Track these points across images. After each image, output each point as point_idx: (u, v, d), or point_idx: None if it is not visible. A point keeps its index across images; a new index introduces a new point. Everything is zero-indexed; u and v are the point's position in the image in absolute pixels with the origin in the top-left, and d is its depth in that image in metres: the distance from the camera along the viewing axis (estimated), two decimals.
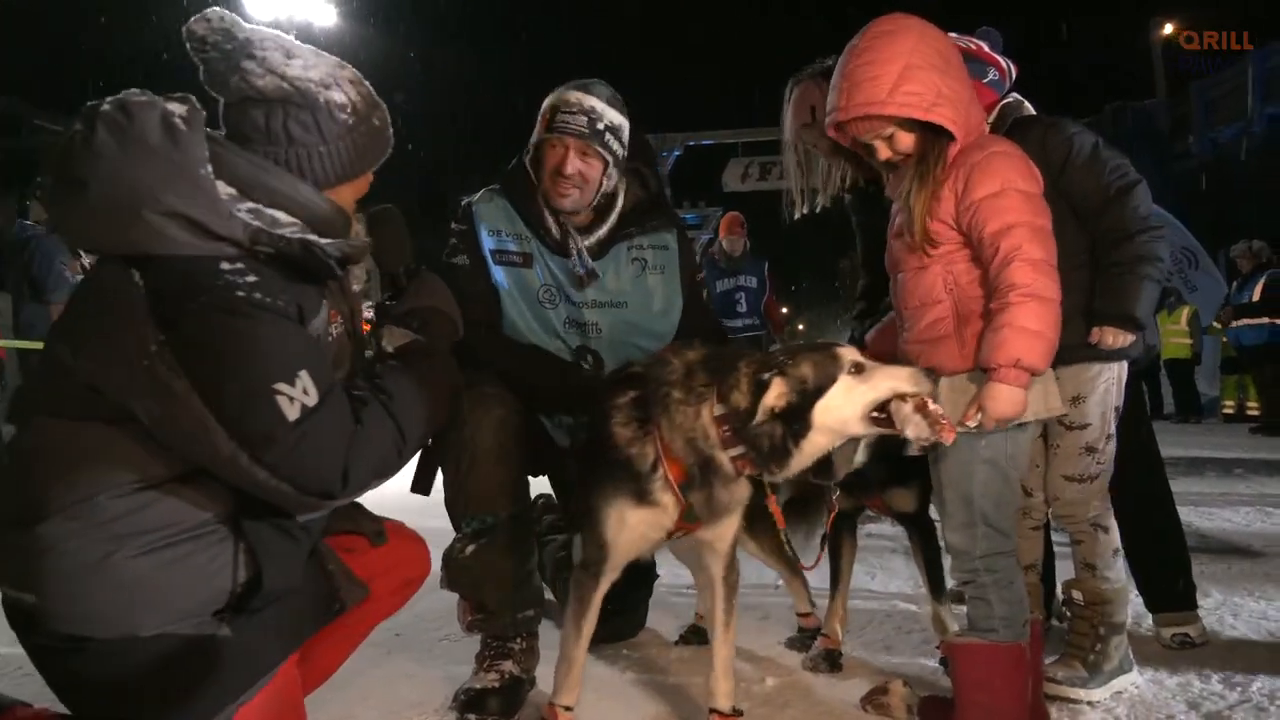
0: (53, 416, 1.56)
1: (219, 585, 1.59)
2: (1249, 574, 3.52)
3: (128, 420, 1.52)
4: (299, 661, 1.78)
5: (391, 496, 2.01)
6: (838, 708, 2.30)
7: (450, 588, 2.44)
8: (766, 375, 1.89)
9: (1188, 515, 4.80)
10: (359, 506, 1.98)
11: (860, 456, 2.27)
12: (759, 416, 1.87)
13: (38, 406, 1.58)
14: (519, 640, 2.42)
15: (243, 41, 1.66)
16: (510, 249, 2.61)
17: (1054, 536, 2.74)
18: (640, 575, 2.87)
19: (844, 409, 1.88)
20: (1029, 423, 2.02)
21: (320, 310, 1.71)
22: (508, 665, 2.37)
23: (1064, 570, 2.58)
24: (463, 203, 2.70)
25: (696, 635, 2.84)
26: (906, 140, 1.99)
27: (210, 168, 1.56)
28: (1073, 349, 2.13)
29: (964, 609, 2.41)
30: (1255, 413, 11.14)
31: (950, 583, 2.94)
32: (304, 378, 1.52)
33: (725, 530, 2.11)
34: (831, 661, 2.54)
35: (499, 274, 2.59)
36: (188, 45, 1.69)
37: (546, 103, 2.59)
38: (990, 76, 2.49)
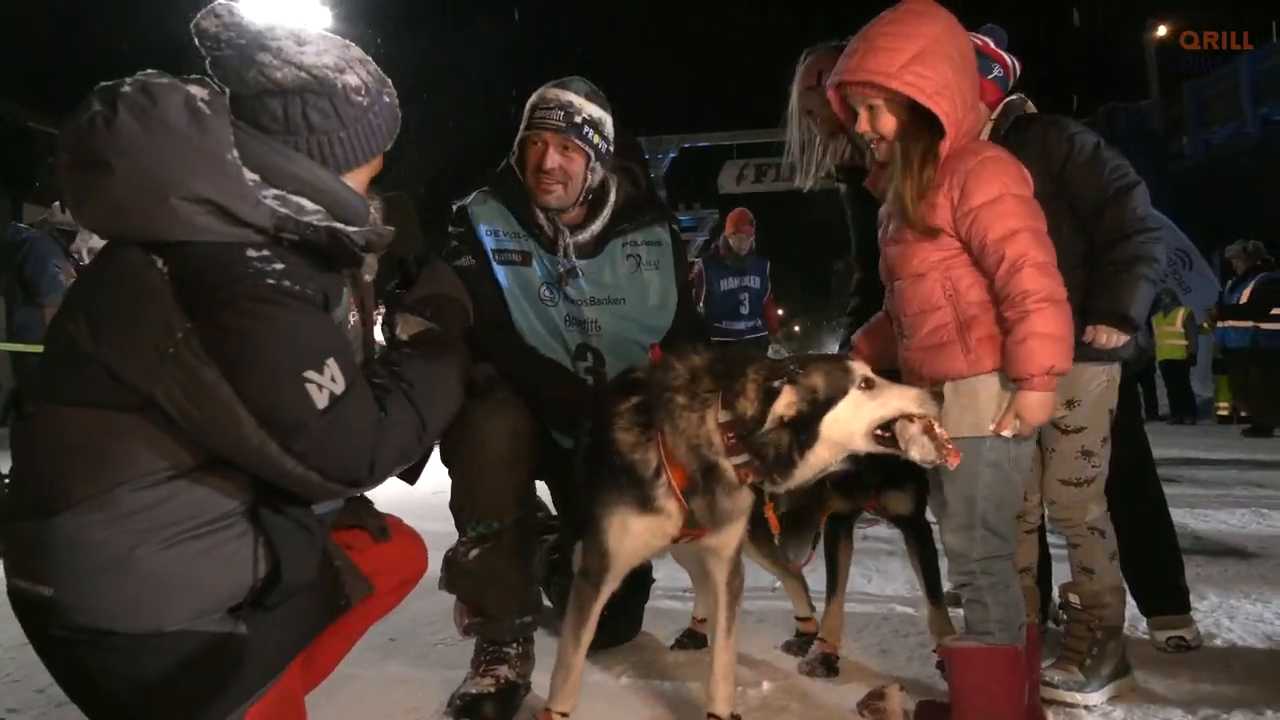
0: (69, 405, 1.52)
1: (240, 579, 1.57)
2: (1245, 576, 3.52)
3: (148, 408, 1.49)
4: (300, 660, 1.77)
5: (390, 496, 2.00)
6: (835, 712, 2.30)
7: (451, 590, 2.43)
8: (777, 383, 1.87)
9: (1183, 517, 4.81)
10: (364, 501, 1.97)
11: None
12: (767, 425, 1.86)
13: (54, 395, 1.54)
14: (515, 645, 2.41)
15: (255, 34, 1.65)
16: (509, 247, 2.62)
17: (1050, 539, 2.74)
18: (637, 579, 2.86)
19: (851, 423, 1.88)
20: None
21: (343, 298, 1.72)
22: (503, 670, 2.36)
23: (1060, 573, 2.58)
24: (456, 206, 2.70)
25: (692, 639, 2.83)
26: (888, 122, 1.99)
27: (236, 153, 1.55)
28: None
29: (961, 612, 2.42)
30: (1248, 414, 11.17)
31: (947, 586, 2.96)
32: (332, 366, 1.52)
33: (729, 537, 2.10)
34: (828, 666, 2.54)
35: (501, 273, 2.60)
36: (198, 42, 1.66)
37: (528, 103, 2.61)
38: (995, 73, 2.50)
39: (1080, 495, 2.27)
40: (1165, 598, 2.70)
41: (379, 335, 2.03)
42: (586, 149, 2.55)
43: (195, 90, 1.58)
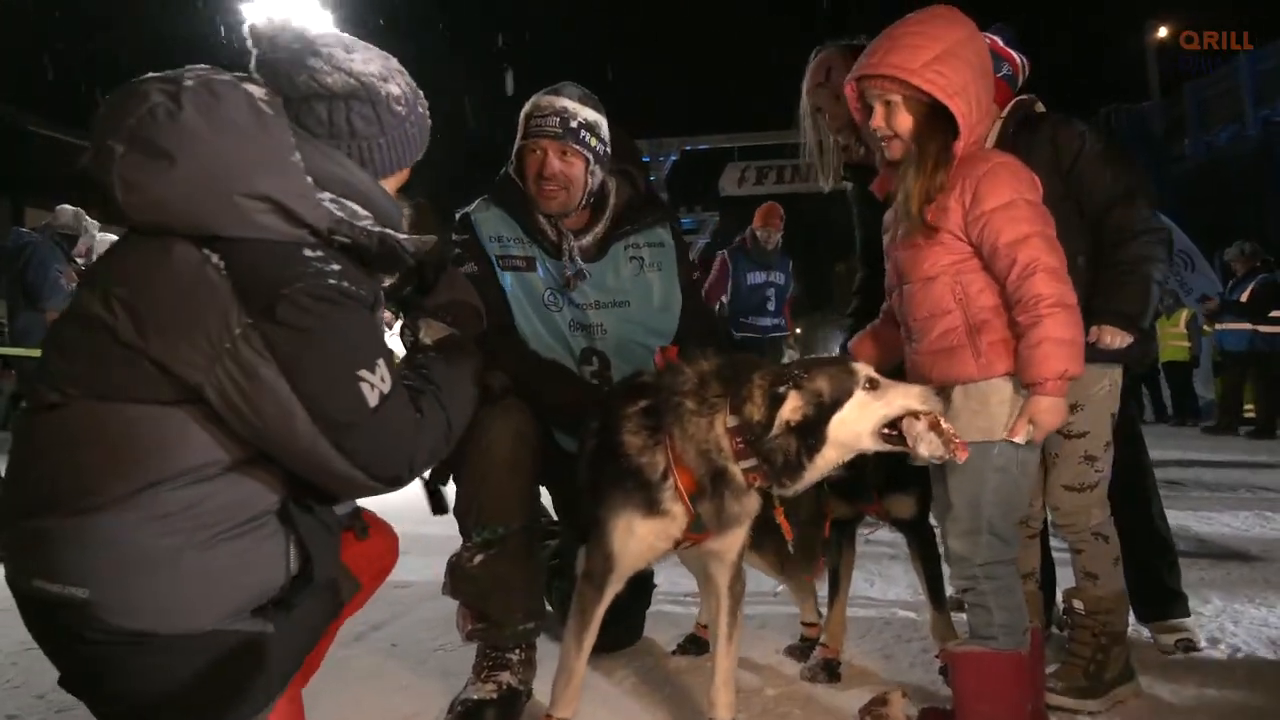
0: (102, 399, 1.49)
1: (273, 578, 1.58)
2: (1249, 580, 3.51)
3: (188, 404, 1.49)
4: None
5: (389, 497, 2.00)
6: (837, 718, 2.29)
7: (454, 596, 2.42)
8: (782, 388, 1.87)
9: (1185, 520, 4.80)
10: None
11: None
12: (774, 430, 1.86)
13: (85, 388, 1.50)
14: (518, 651, 2.40)
15: (309, 40, 1.70)
16: (514, 253, 2.63)
17: (1053, 543, 2.73)
18: (639, 584, 2.85)
19: (858, 424, 1.88)
20: None
21: (381, 302, 1.76)
22: (505, 677, 2.35)
23: (1064, 578, 2.56)
24: (459, 214, 2.72)
25: (695, 645, 2.82)
26: (905, 120, 2.01)
27: (298, 155, 1.58)
28: None
29: (964, 616, 2.41)
30: (1251, 415, 11.16)
31: (950, 590, 2.95)
32: (381, 366, 1.56)
33: (733, 541, 2.10)
34: (830, 671, 2.53)
35: (506, 279, 2.61)
36: (251, 43, 1.70)
37: (522, 112, 2.63)
38: (1004, 71, 2.51)
39: (1084, 500, 2.26)
40: (1165, 602, 2.70)
41: (393, 340, 2.05)
42: (585, 153, 2.56)
43: (255, 89, 1.60)
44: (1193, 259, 14.96)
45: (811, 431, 1.87)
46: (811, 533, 2.73)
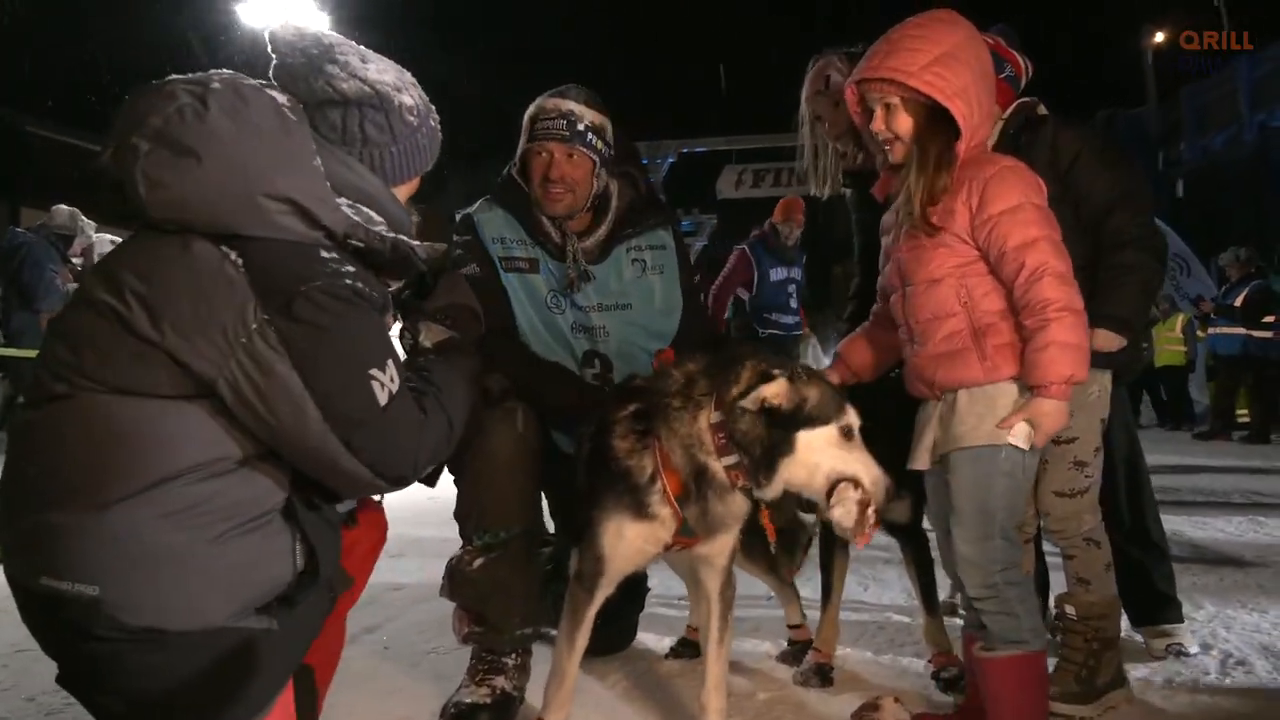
0: (114, 392, 1.49)
1: (280, 575, 1.59)
2: (1242, 585, 3.52)
3: (201, 399, 1.50)
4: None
5: (387, 499, 2.00)
6: None
7: (453, 598, 2.41)
8: (776, 371, 1.89)
9: (1180, 525, 4.81)
10: None
11: None
12: (748, 400, 1.86)
13: (95, 381, 1.50)
14: (514, 656, 2.39)
15: (327, 46, 1.74)
16: (517, 255, 2.63)
17: (1046, 548, 2.73)
18: (631, 587, 2.84)
19: (818, 455, 1.87)
20: None
21: (390, 306, 1.79)
22: (500, 681, 2.34)
23: (1057, 583, 2.56)
24: (461, 214, 2.71)
25: (687, 648, 2.82)
26: (904, 122, 2.01)
27: (319, 159, 1.62)
28: None
29: (957, 621, 2.41)
30: (1245, 420, 11.18)
31: (943, 595, 2.95)
32: (391, 366, 1.61)
33: (722, 546, 2.10)
34: (823, 675, 2.52)
35: (509, 281, 2.61)
36: (270, 47, 1.74)
37: (527, 114, 2.63)
38: (1007, 72, 2.50)
39: (1075, 506, 2.26)
40: (1157, 607, 2.70)
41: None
42: (591, 155, 2.57)
43: (279, 96, 1.65)
44: (1188, 263, 15.06)
45: (783, 429, 1.87)
46: (792, 530, 2.74)
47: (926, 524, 2.62)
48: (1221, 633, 2.87)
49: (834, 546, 2.65)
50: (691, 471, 1.96)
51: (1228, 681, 2.43)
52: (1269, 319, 10.34)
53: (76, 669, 1.56)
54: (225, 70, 1.65)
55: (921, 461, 2.09)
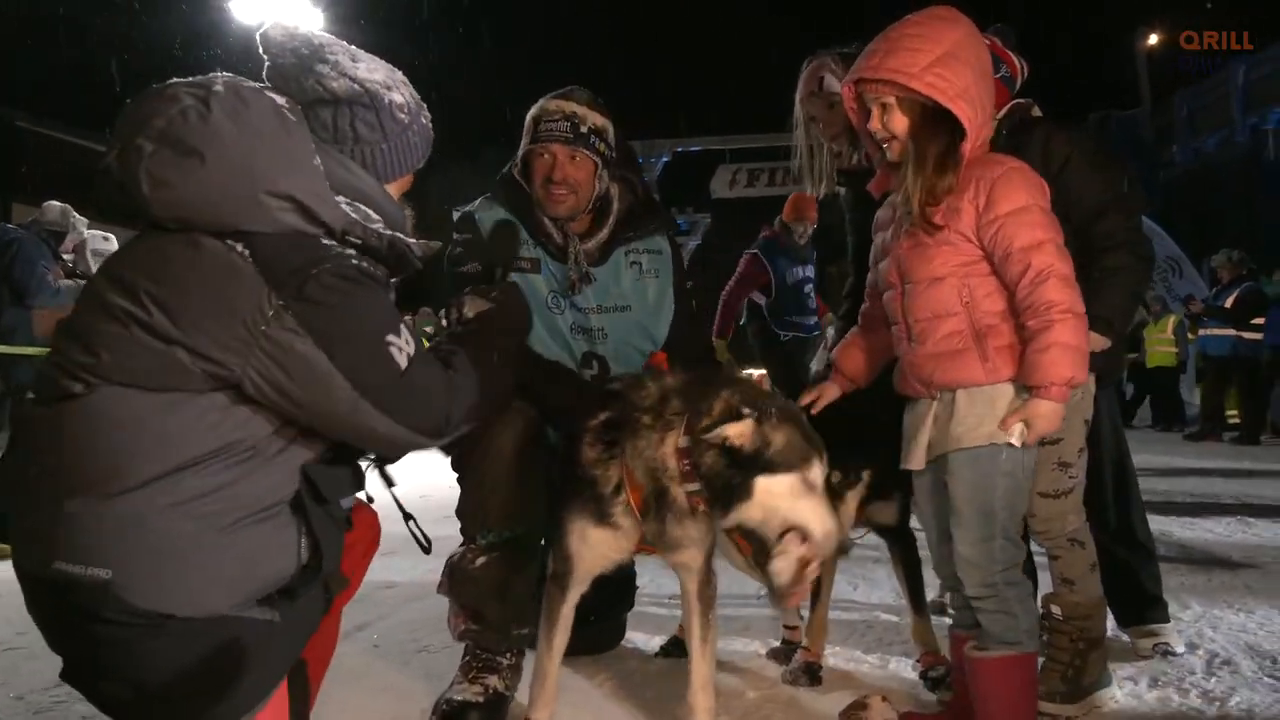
0: (129, 387, 1.53)
1: (285, 567, 1.63)
2: (1229, 586, 3.54)
3: (217, 391, 1.55)
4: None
5: (381, 499, 2.00)
6: None
7: (451, 596, 2.41)
8: (746, 410, 1.84)
9: (1168, 525, 4.83)
10: None
11: None
12: (712, 434, 1.83)
13: (110, 376, 1.54)
14: (508, 655, 2.40)
15: (317, 47, 1.78)
16: (519, 254, 2.63)
17: (1034, 548, 2.74)
18: (621, 586, 2.86)
19: (774, 501, 1.82)
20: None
21: (392, 288, 1.84)
22: (493, 680, 2.35)
23: (1046, 584, 2.57)
24: (462, 211, 2.72)
25: (677, 647, 2.82)
26: (900, 121, 2.00)
27: (319, 159, 1.67)
28: None
29: (945, 620, 2.42)
30: (1235, 421, 11.24)
31: (931, 595, 2.96)
32: (404, 331, 1.69)
33: (690, 556, 2.11)
34: (812, 674, 2.53)
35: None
36: (262, 50, 1.79)
37: (530, 115, 2.63)
38: (1002, 72, 2.49)
39: (1059, 507, 2.27)
40: (1144, 607, 2.71)
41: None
42: (594, 157, 2.57)
43: (278, 98, 1.69)
44: (1181, 265, 15.14)
45: (742, 470, 1.82)
46: None
47: (914, 523, 2.64)
48: (1208, 632, 2.88)
49: None
50: (653, 491, 1.96)
51: (1213, 681, 2.44)
52: (1258, 320, 10.40)
53: (82, 657, 1.59)
54: (226, 73, 1.69)
55: (916, 462, 2.09)
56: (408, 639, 3.04)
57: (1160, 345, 12.98)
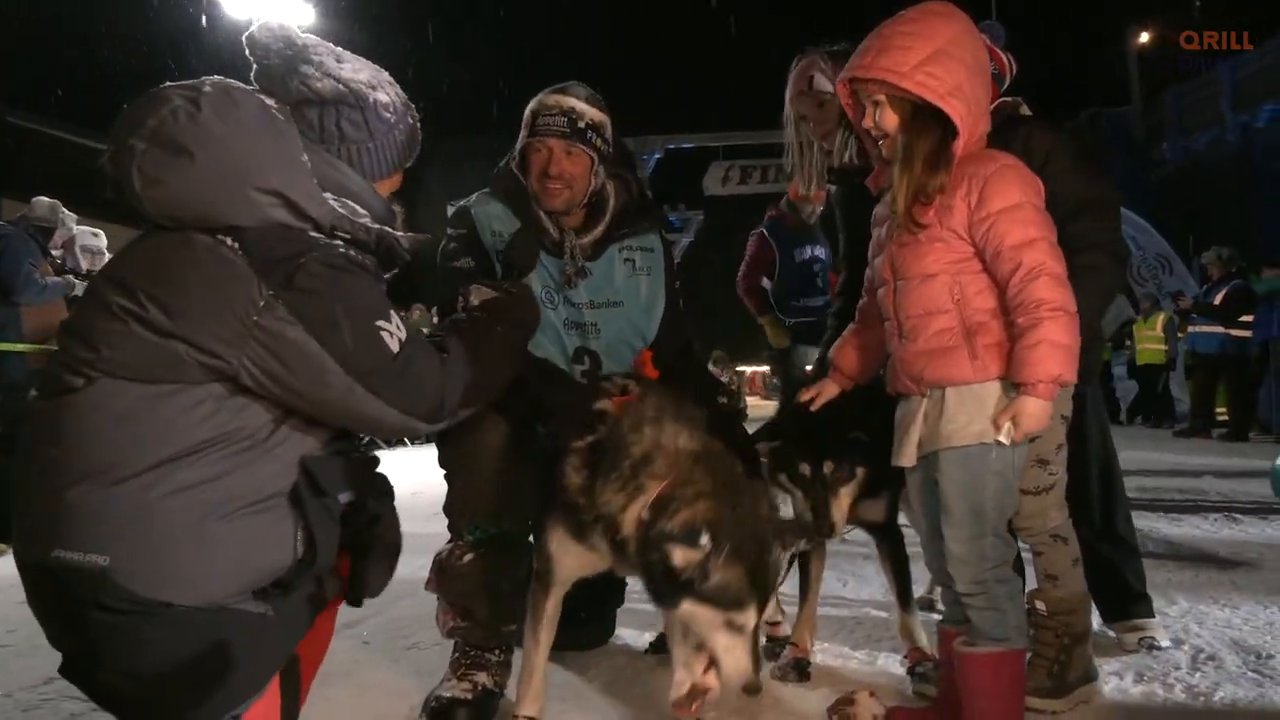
0: (126, 379, 1.56)
1: (281, 559, 1.64)
2: (1215, 582, 3.55)
3: (211, 383, 1.58)
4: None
5: None
6: (806, 717, 2.30)
7: (439, 592, 2.41)
8: (704, 539, 1.75)
9: (1156, 521, 4.86)
10: None
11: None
12: (661, 548, 1.80)
13: (110, 370, 1.56)
14: (497, 652, 2.40)
15: (300, 47, 1.82)
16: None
17: (1021, 545, 2.76)
18: (611, 582, 2.86)
19: (694, 625, 1.83)
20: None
21: (382, 277, 1.86)
22: (482, 677, 2.35)
23: (1031, 580, 2.59)
24: (457, 206, 2.71)
25: (666, 644, 2.83)
26: (890, 119, 2.00)
27: (307, 156, 1.71)
28: None
29: (934, 617, 2.43)
30: (1224, 418, 11.30)
31: (920, 590, 2.97)
32: (394, 317, 1.73)
33: None
34: (800, 670, 2.54)
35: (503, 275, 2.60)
36: (248, 52, 1.82)
37: (527, 109, 2.62)
38: (990, 70, 2.49)
39: (1041, 504, 2.28)
40: (1129, 602, 2.73)
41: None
42: (590, 153, 2.57)
43: (267, 99, 1.74)
44: (1171, 263, 15.22)
45: (676, 587, 1.80)
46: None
47: (903, 519, 2.65)
48: (1194, 628, 2.90)
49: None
50: (613, 538, 1.96)
51: (1198, 676, 2.45)
52: (1246, 318, 10.46)
53: (79, 646, 1.60)
54: (217, 76, 1.72)
55: (907, 459, 2.09)
56: (397, 636, 3.05)
57: (1150, 343, 13.05)
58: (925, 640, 2.54)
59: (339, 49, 1.89)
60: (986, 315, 1.97)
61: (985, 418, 1.96)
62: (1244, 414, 10.70)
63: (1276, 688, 2.35)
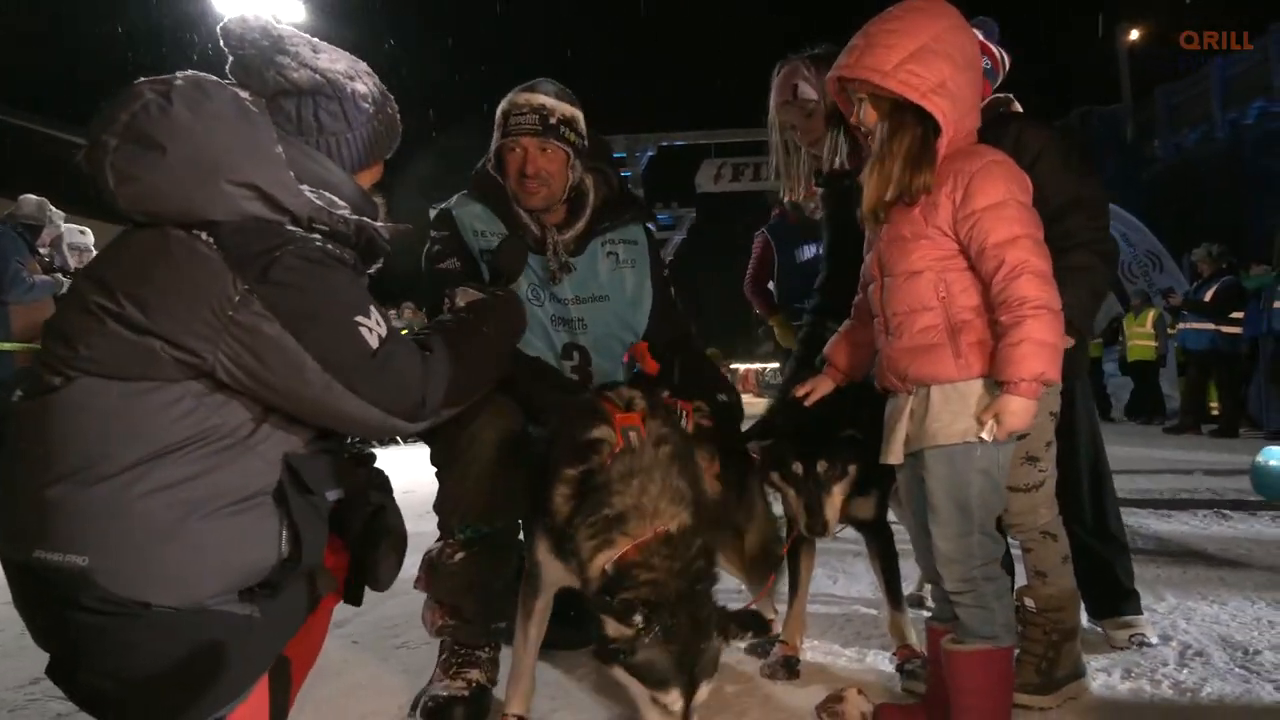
0: (105, 377, 1.55)
1: (264, 558, 1.62)
2: (1204, 578, 3.56)
3: (193, 380, 1.57)
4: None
5: None
6: (795, 715, 2.30)
7: (428, 591, 2.41)
8: (638, 618, 1.75)
9: (1145, 517, 4.88)
10: None
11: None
12: (597, 609, 1.80)
13: (89, 369, 1.55)
14: (486, 649, 2.41)
15: (276, 38, 1.80)
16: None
17: (1011, 542, 2.76)
18: None
19: (629, 686, 1.83)
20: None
21: (362, 270, 1.84)
22: (474, 674, 2.35)
23: (1021, 577, 2.59)
24: (439, 209, 2.71)
25: None
26: (871, 115, 2.00)
27: (281, 148, 1.68)
28: None
29: (924, 614, 2.43)
30: (1215, 414, 11.35)
31: (910, 588, 2.97)
32: (374, 313, 1.70)
33: None
34: (789, 668, 2.54)
35: (488, 274, 2.60)
36: (223, 42, 1.82)
37: (499, 109, 2.63)
38: (983, 65, 2.48)
39: (1030, 501, 2.28)
40: (1117, 599, 2.74)
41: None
42: (564, 148, 2.57)
43: (240, 91, 1.71)
44: (1161, 259, 15.27)
45: (608, 653, 1.81)
46: (771, 534, 2.76)
47: (892, 517, 2.65)
48: (1182, 624, 2.91)
49: (800, 541, 2.66)
50: (581, 574, 1.95)
51: (1185, 672, 2.46)
52: (1236, 314, 10.50)
53: (63, 647, 1.59)
54: (189, 70, 1.70)
55: (894, 456, 2.09)
56: (387, 635, 3.04)
57: (1140, 339, 13.10)
58: (915, 638, 2.54)
59: (316, 40, 1.87)
60: (971, 313, 1.97)
61: (970, 416, 1.96)
62: (1234, 410, 10.74)
63: (1263, 683, 2.36)
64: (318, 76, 1.79)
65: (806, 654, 2.66)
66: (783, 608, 2.73)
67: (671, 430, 2.10)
